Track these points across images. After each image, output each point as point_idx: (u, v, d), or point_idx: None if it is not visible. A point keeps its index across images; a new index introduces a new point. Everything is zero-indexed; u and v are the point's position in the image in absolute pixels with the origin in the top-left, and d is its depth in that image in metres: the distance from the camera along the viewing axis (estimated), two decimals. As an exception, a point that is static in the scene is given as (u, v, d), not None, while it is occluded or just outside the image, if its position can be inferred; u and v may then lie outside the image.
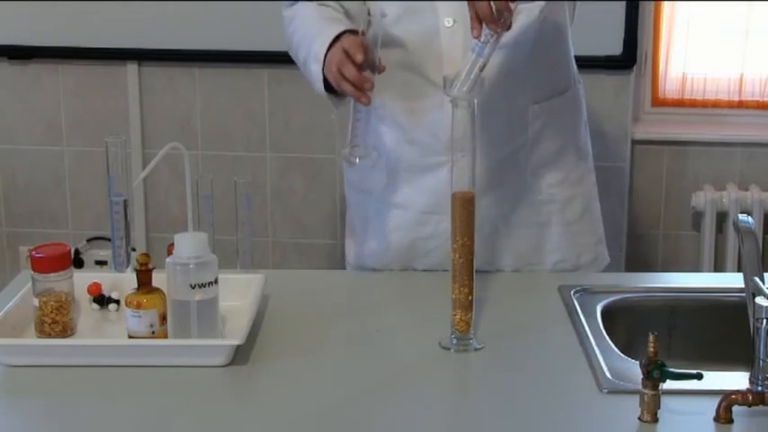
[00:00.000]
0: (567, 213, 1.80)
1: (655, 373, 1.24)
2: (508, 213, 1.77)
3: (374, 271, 1.82)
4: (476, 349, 1.48)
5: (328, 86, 1.66)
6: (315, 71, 1.67)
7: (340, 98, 1.70)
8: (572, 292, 1.66)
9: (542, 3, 1.65)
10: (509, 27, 1.47)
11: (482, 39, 1.46)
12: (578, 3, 1.79)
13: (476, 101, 1.44)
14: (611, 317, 1.61)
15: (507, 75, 1.67)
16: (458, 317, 1.48)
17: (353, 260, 1.87)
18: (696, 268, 3.04)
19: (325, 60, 1.64)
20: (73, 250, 3.01)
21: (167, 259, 1.42)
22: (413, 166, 1.76)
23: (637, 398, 1.27)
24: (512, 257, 1.79)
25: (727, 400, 1.25)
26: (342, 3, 1.75)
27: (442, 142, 1.71)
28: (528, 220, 1.78)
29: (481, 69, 1.46)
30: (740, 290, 1.38)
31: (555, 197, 1.79)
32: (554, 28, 1.72)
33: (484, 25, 1.46)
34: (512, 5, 1.45)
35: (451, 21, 1.65)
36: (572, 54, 1.80)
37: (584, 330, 1.52)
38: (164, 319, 1.45)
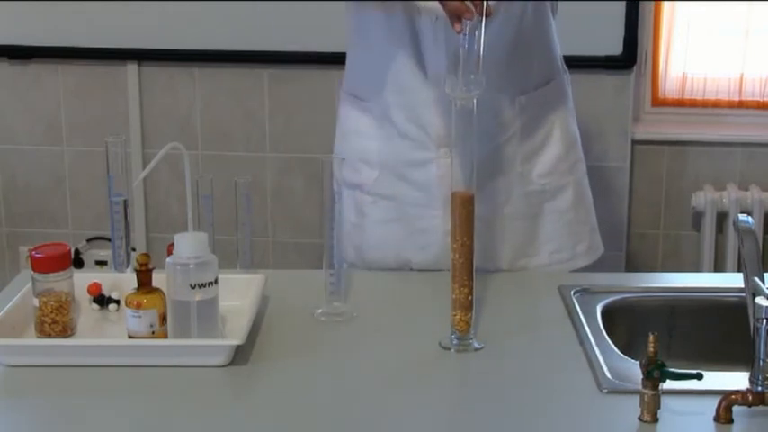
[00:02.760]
0: (559, 202, 1.80)
1: (655, 373, 1.24)
2: (501, 206, 1.77)
3: (372, 271, 1.82)
4: (476, 349, 1.48)
5: None
6: None
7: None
8: (572, 292, 1.66)
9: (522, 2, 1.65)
10: (488, 13, 1.46)
11: (467, 31, 1.45)
12: (572, 2, 1.79)
13: (475, 100, 1.44)
14: (611, 317, 1.61)
15: (491, 68, 1.67)
16: (458, 317, 1.48)
17: (350, 256, 1.85)
18: (696, 268, 3.04)
19: None
20: (73, 250, 3.01)
21: (167, 259, 1.42)
22: (404, 160, 1.76)
23: (637, 398, 1.27)
24: (508, 250, 1.79)
25: (727, 400, 1.25)
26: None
27: (432, 138, 1.72)
28: (520, 211, 1.78)
29: (477, 62, 1.44)
30: (740, 290, 1.38)
31: (545, 187, 1.79)
32: (536, 20, 1.72)
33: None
34: None
35: (434, 17, 1.65)
36: (557, 45, 1.80)
37: (584, 330, 1.52)
38: (164, 319, 1.45)
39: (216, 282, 1.43)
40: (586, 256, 1.84)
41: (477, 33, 1.44)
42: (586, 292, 1.66)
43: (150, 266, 1.46)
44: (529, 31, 1.70)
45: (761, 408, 1.25)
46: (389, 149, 1.77)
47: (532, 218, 1.79)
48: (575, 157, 1.83)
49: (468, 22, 1.44)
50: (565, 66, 1.83)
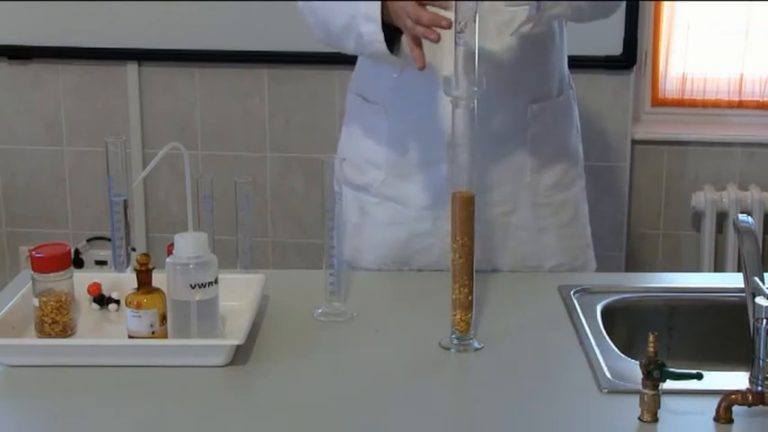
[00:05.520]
0: (561, 217, 1.81)
1: (655, 373, 1.24)
2: (508, 214, 1.77)
3: (372, 271, 1.82)
4: (476, 349, 1.48)
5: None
6: (369, 32, 1.59)
7: (401, 55, 1.62)
8: (572, 292, 1.66)
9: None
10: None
11: (461, 22, 1.43)
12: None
13: (476, 100, 1.43)
14: (611, 317, 1.61)
15: (504, 73, 1.67)
16: (458, 317, 1.48)
17: (349, 256, 1.85)
18: (696, 268, 3.04)
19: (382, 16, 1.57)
20: (73, 250, 3.01)
21: (167, 259, 1.42)
22: (412, 161, 1.76)
23: (637, 398, 1.27)
24: (511, 258, 1.79)
25: (727, 400, 1.25)
26: None
27: (442, 139, 1.71)
28: (527, 222, 1.78)
29: (473, 62, 1.43)
30: (740, 290, 1.38)
31: (550, 200, 1.79)
32: (548, 29, 1.72)
33: (455, 10, 1.42)
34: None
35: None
36: (566, 58, 1.80)
37: (584, 330, 1.52)
38: (164, 319, 1.45)
39: (216, 282, 1.43)
40: (581, 272, 1.84)
41: (468, 28, 1.43)
42: (586, 292, 1.66)
43: (150, 266, 1.46)
44: (544, 37, 1.71)
45: (761, 408, 1.25)
46: (398, 151, 1.77)
47: (538, 230, 1.79)
48: (575, 174, 1.84)
49: (461, 16, 1.43)
50: (572, 81, 1.84)
